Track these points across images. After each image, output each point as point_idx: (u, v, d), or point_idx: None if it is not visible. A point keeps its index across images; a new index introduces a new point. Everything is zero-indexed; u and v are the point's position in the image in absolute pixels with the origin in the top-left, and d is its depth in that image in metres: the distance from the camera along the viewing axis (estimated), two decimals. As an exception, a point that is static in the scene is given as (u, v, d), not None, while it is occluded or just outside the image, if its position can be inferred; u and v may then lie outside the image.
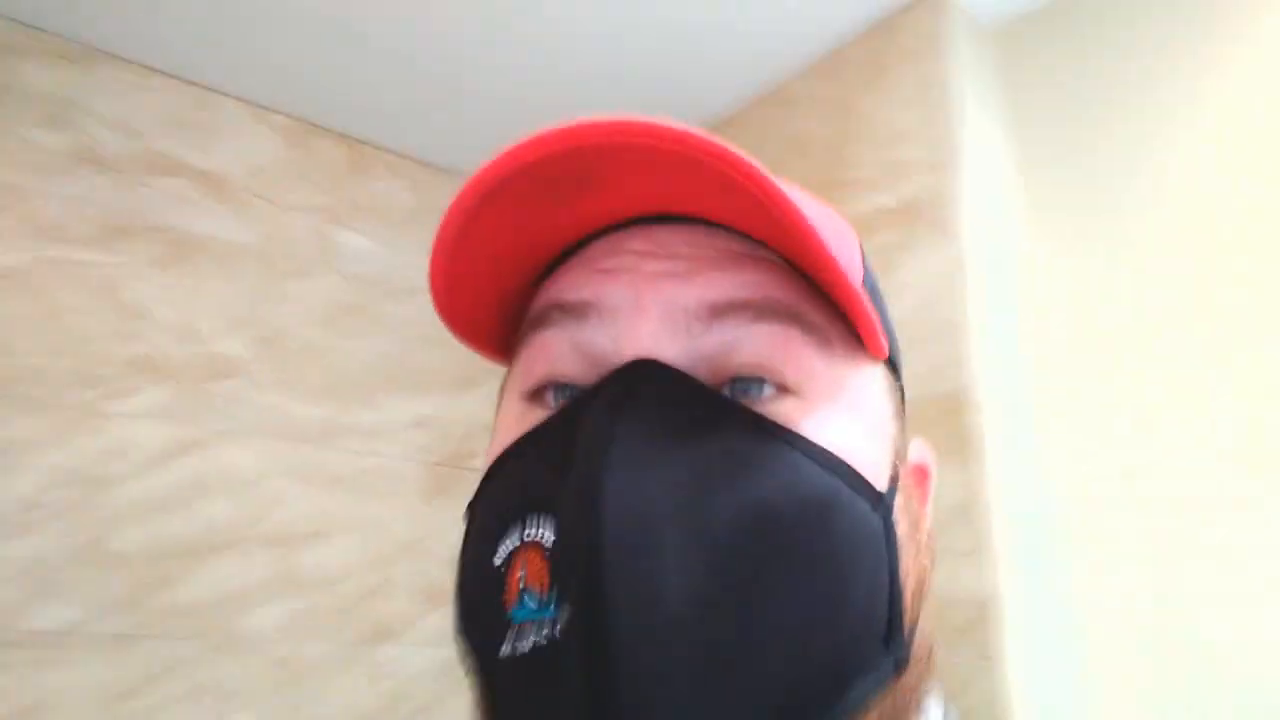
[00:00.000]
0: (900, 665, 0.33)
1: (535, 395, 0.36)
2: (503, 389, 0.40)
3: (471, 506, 0.37)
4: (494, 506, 0.34)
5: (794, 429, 0.32)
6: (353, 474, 1.69)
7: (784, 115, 1.66)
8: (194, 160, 1.67)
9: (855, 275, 0.36)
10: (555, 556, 0.30)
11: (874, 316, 0.35)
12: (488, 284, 0.37)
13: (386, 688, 1.63)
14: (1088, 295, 1.27)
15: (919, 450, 0.41)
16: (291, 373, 1.67)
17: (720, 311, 0.33)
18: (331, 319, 1.74)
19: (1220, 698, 1.01)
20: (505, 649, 0.31)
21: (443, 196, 1.94)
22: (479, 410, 1.88)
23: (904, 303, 1.34)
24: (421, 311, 1.84)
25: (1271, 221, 1.11)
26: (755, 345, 0.33)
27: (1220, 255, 1.15)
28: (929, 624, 0.36)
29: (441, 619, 1.72)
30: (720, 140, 0.30)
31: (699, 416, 0.32)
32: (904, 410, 0.40)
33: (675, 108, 1.77)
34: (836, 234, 0.36)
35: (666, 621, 0.28)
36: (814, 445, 0.32)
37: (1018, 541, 1.18)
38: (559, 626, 0.29)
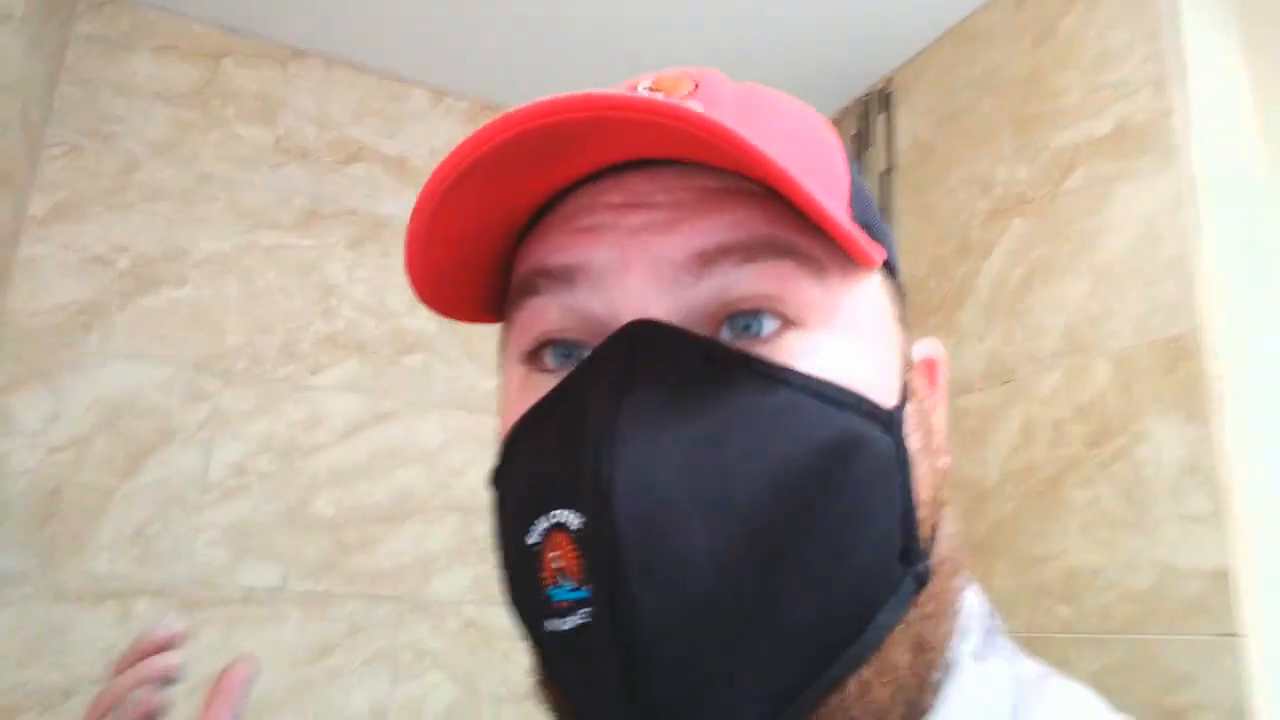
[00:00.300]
0: (923, 577, 0.33)
1: (533, 356, 0.36)
2: (501, 351, 0.39)
3: (495, 479, 0.37)
4: (519, 486, 0.35)
5: (797, 366, 0.32)
6: (533, 443, 1.71)
7: (972, 50, 1.53)
8: (382, 146, 1.75)
9: (836, 185, 0.36)
10: (581, 543, 0.30)
11: (858, 234, 0.34)
12: (467, 260, 0.37)
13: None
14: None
15: (925, 346, 0.40)
16: (475, 346, 1.71)
17: (709, 259, 0.33)
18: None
19: None
20: (550, 624, 0.32)
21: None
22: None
23: (1122, 237, 1.19)
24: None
25: None
26: (749, 283, 0.33)
27: None
28: (951, 523, 0.36)
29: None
30: (682, 106, 0.30)
31: (701, 375, 0.32)
32: (904, 308, 0.39)
33: (845, 59, 1.67)
34: (811, 144, 0.36)
35: (687, 598, 0.29)
36: (820, 382, 0.32)
37: (1259, 506, 1.02)
38: (592, 610, 0.30)
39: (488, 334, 1.69)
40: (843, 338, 0.34)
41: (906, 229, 1.60)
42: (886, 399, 0.34)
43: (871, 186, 1.70)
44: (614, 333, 0.33)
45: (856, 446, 0.32)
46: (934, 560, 0.34)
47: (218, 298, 1.55)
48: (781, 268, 0.33)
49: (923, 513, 0.34)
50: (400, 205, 1.73)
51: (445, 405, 1.67)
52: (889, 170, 1.68)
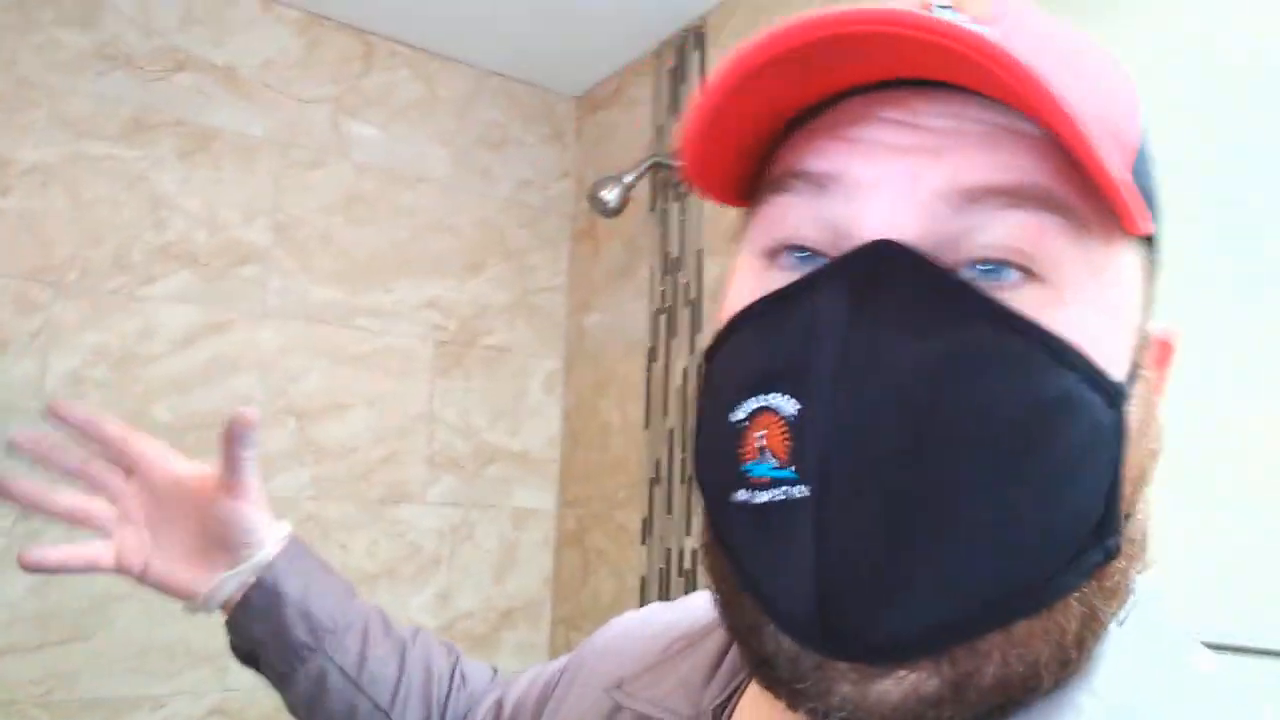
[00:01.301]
0: (1112, 552, 0.33)
1: (772, 254, 0.36)
2: (738, 241, 0.40)
3: (709, 357, 0.38)
4: (735, 365, 0.35)
5: (1035, 320, 0.32)
6: (367, 352, 1.83)
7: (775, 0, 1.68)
8: (210, 55, 1.76)
9: (1123, 147, 0.35)
10: (797, 430, 0.32)
11: (1134, 200, 0.32)
12: (734, 146, 0.37)
13: (402, 542, 1.82)
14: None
15: (1163, 327, 0.39)
16: (309, 258, 1.79)
17: (973, 196, 0.32)
18: (345, 206, 1.85)
19: None
20: (740, 495, 0.33)
21: (448, 86, 2.01)
22: (486, 292, 2.00)
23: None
24: (429, 199, 1.94)
25: None
26: (1006, 229, 0.32)
27: None
28: (1146, 507, 0.37)
29: (450, 483, 1.89)
30: (979, 33, 0.30)
31: (938, 306, 0.32)
32: (1153, 284, 0.38)
33: (666, 1, 1.79)
34: (1109, 100, 0.35)
35: (889, 498, 0.31)
36: (1054, 338, 0.32)
37: None
38: (796, 491, 0.31)
39: (323, 245, 1.78)
40: (1087, 302, 0.33)
41: (712, 163, 1.77)
42: (1116, 372, 0.33)
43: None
44: (859, 247, 0.32)
45: (1078, 409, 0.32)
46: (1125, 538, 0.34)
47: (45, 209, 1.56)
48: (1043, 221, 0.32)
49: (1127, 490, 0.34)
50: (230, 116, 1.76)
51: (281, 315, 1.75)
52: (701, 105, 1.82)
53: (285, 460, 1.72)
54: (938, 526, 0.30)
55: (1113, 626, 0.35)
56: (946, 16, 0.32)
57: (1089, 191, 0.33)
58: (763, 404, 0.33)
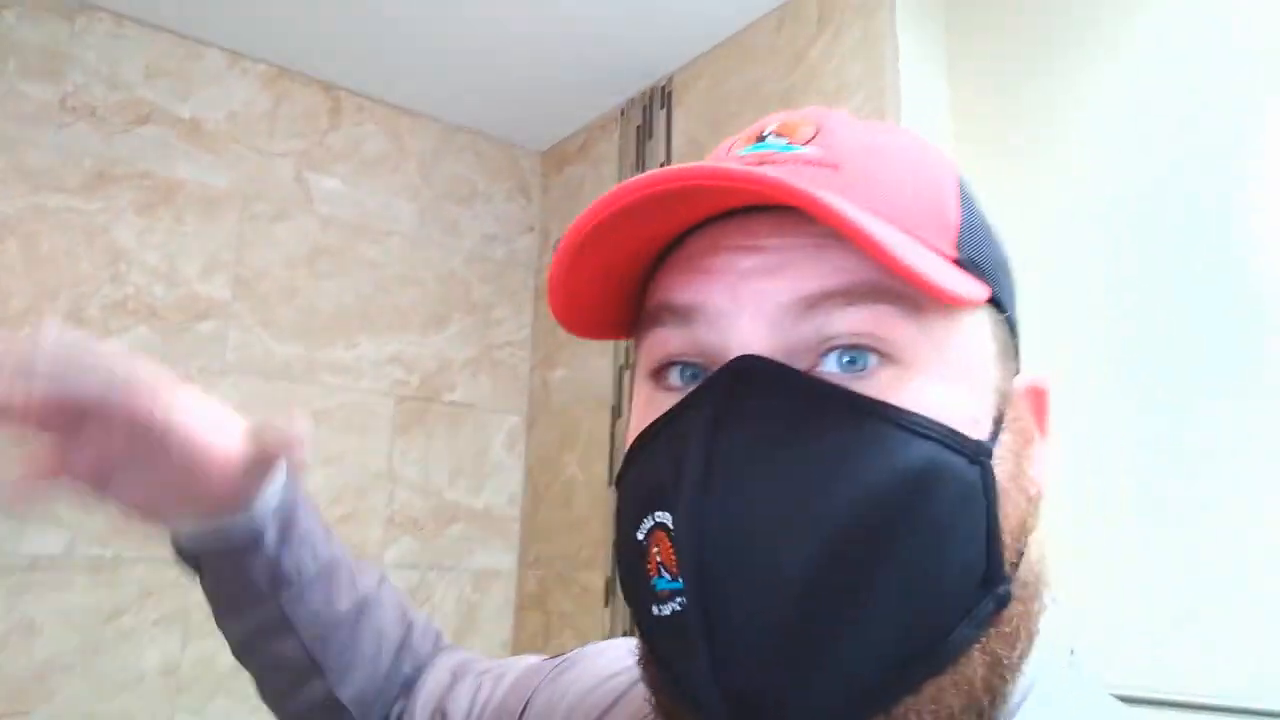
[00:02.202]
0: (1003, 599, 0.35)
1: (658, 374, 0.40)
2: (634, 368, 0.44)
3: (618, 482, 0.41)
4: (633, 489, 0.39)
5: (890, 399, 0.35)
6: (328, 409, 1.80)
7: (739, 65, 1.71)
8: (175, 108, 1.75)
9: (940, 231, 0.38)
10: (675, 541, 0.34)
11: (950, 279, 0.36)
12: (600, 288, 0.41)
13: (360, 604, 1.77)
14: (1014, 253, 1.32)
15: (1032, 377, 0.42)
16: (270, 312, 1.77)
17: (812, 302, 0.36)
18: (308, 260, 1.83)
19: None
20: (653, 610, 0.36)
21: (415, 140, 2.01)
22: (449, 347, 1.98)
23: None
24: (393, 253, 1.93)
25: (1175, 182, 1.16)
26: (847, 324, 0.36)
27: (1146, 220, 1.20)
28: (1037, 548, 0.38)
29: (409, 544, 1.85)
30: (767, 176, 0.34)
31: (795, 405, 0.35)
32: (1013, 340, 0.41)
33: (635, 54, 1.81)
34: (923, 192, 0.39)
35: (773, 606, 0.32)
36: (908, 414, 0.34)
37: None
38: (683, 601, 0.34)
39: (285, 299, 1.76)
40: (937, 374, 0.36)
41: (677, 222, 1.78)
42: (976, 431, 0.36)
43: (651, 178, 1.86)
44: (722, 365, 0.36)
45: (940, 477, 0.34)
46: (1016, 584, 0.36)
47: (0, 261, 1.54)
48: (879, 311, 0.35)
49: (1008, 539, 0.36)
50: (194, 169, 1.74)
51: (239, 371, 1.73)
52: (667, 161, 1.84)
53: (240, 519, 1.67)
54: (823, 615, 0.32)
55: (1031, 677, 0.37)
56: (772, 144, 0.39)
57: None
58: (656, 521, 0.36)
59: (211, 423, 0.55)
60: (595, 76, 1.90)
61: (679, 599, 0.34)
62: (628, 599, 0.39)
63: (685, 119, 1.82)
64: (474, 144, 2.11)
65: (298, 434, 0.56)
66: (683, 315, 0.38)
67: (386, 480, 1.85)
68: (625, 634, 1.69)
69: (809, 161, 0.39)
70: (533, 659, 0.63)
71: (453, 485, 1.94)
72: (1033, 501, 0.38)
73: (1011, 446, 0.37)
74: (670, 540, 0.35)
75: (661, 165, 1.87)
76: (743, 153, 0.41)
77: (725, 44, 1.76)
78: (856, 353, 0.36)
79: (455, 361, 1.99)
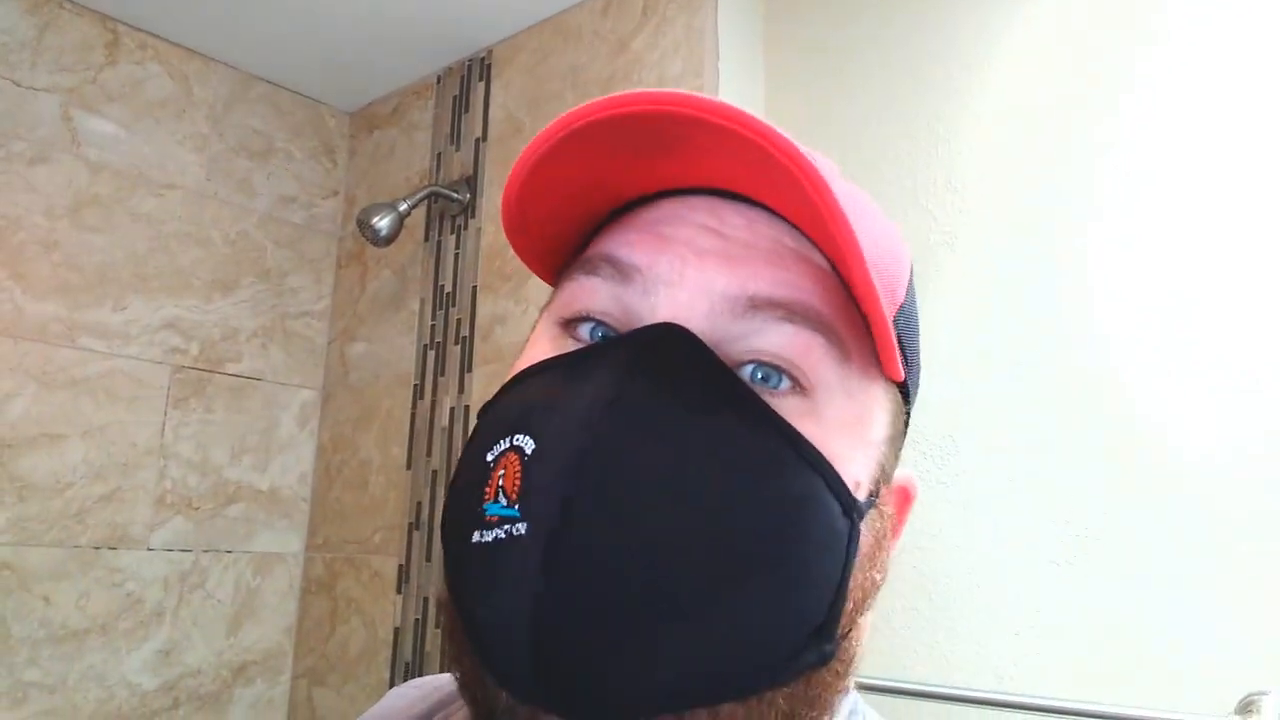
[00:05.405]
0: (826, 658, 0.34)
1: (569, 324, 0.38)
2: (543, 309, 0.41)
3: (483, 409, 0.39)
4: (501, 413, 0.36)
5: (791, 423, 0.34)
6: (89, 376, 1.62)
7: (561, 45, 1.67)
8: (-90, 22, 1.51)
9: (892, 299, 0.37)
10: (526, 469, 0.32)
11: (895, 345, 0.36)
12: (555, 214, 0.39)
13: (119, 593, 1.62)
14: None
15: (907, 477, 0.42)
16: (24, 265, 1.57)
17: (755, 304, 0.35)
18: (71, 210, 1.64)
19: None
20: (475, 536, 0.33)
21: (205, 87, 1.85)
22: (236, 315, 1.83)
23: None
24: (174, 208, 1.76)
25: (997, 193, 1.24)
26: (779, 338, 0.35)
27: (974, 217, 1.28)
28: (862, 634, 0.38)
29: (181, 525, 1.71)
30: (803, 150, 0.32)
31: (707, 389, 0.33)
32: (903, 435, 0.41)
33: (455, 20, 1.74)
34: (888, 255, 0.38)
35: (613, 565, 0.30)
36: (805, 442, 0.34)
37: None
38: (516, 530, 0.31)
39: (43, 252, 1.56)
40: (839, 422, 0.36)
41: (492, 199, 1.73)
42: (856, 490, 0.35)
43: (466, 151, 1.80)
44: (647, 325, 0.35)
45: (815, 515, 0.33)
46: (840, 649, 0.35)
47: None
48: (812, 339, 0.35)
49: (850, 605, 0.35)
50: (-67, 97, 1.51)
51: (-17, 329, 1.52)
52: (484, 137, 1.78)
53: (-23, 497, 1.48)
54: (661, 594, 0.30)
55: None
56: None
57: (855, 327, 0.36)
58: (514, 444, 0.33)
59: None
60: (411, 38, 1.81)
61: (507, 527, 0.31)
62: (444, 532, 0.36)
63: (504, 94, 1.77)
64: (273, 96, 1.96)
65: None
66: (622, 272, 0.37)
67: (157, 456, 1.69)
68: (417, 622, 1.64)
69: None
70: None
71: (234, 463, 1.80)
72: (876, 586, 0.38)
73: (877, 526, 0.37)
74: (521, 464, 0.32)
75: (478, 140, 1.82)
76: None
77: (548, 22, 1.72)
78: (774, 371, 0.35)
79: (242, 331, 1.84)
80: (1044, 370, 1.14)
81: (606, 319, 0.37)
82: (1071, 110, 1.18)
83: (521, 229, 0.40)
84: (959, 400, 1.19)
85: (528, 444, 0.33)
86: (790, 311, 0.35)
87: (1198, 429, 1.02)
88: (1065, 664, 1.06)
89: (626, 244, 0.37)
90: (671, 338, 0.34)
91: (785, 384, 0.35)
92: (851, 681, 0.39)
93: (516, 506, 0.31)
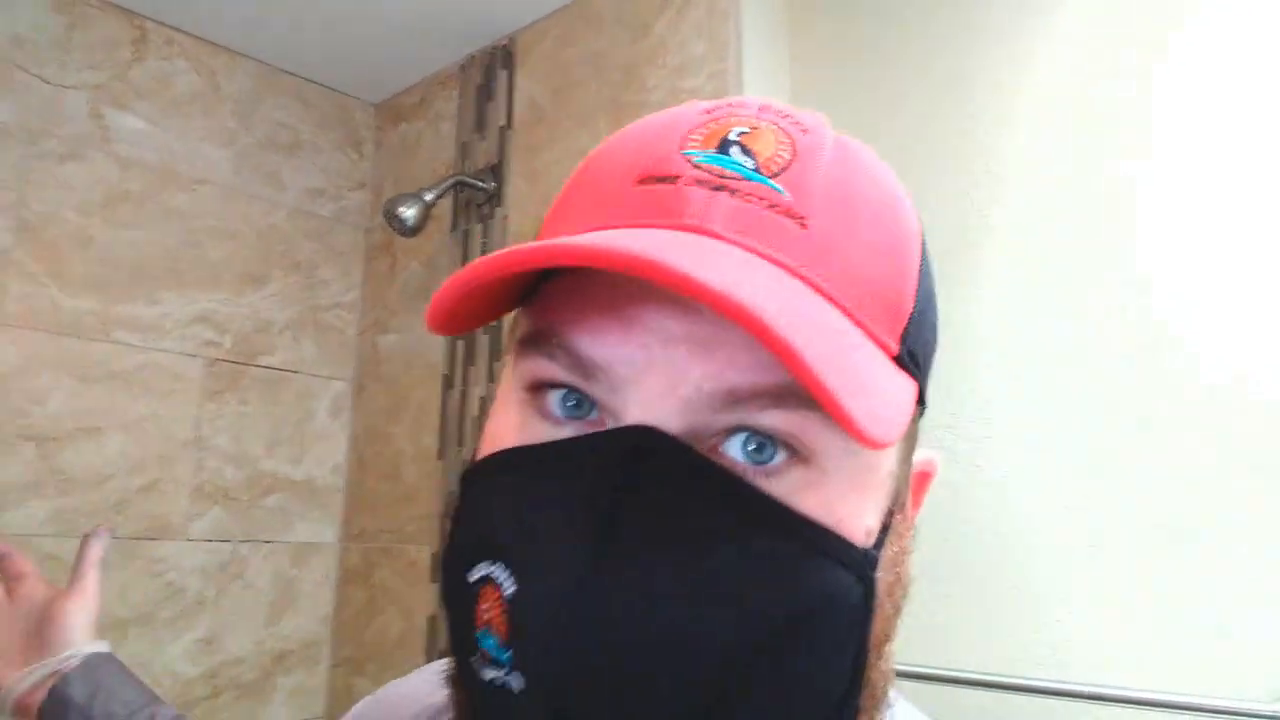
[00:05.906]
0: (850, 716, 0.34)
1: (536, 391, 0.35)
2: (505, 357, 0.39)
3: (463, 492, 0.36)
4: (477, 519, 0.34)
5: (795, 505, 0.32)
6: (126, 370, 1.65)
7: (583, 30, 1.66)
8: (-57, 24, 1.53)
9: (891, 320, 0.34)
10: (514, 613, 0.30)
11: (880, 424, 0.31)
12: (490, 307, 0.37)
13: (160, 583, 1.65)
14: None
15: (927, 460, 0.40)
16: (58, 262, 1.59)
17: (738, 397, 0.31)
18: (104, 206, 1.66)
19: None
20: (473, 660, 0.32)
21: (232, 81, 1.86)
22: (268, 308, 1.85)
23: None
24: (204, 202, 1.78)
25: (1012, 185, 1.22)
26: (769, 422, 0.32)
27: (984, 209, 1.26)
28: (890, 660, 0.37)
29: (219, 516, 1.73)
30: (708, 282, 0.28)
31: (694, 506, 0.31)
32: (917, 427, 0.39)
33: (477, 8, 1.73)
34: (884, 266, 0.35)
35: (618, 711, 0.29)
36: (813, 527, 0.32)
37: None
38: (512, 681, 0.30)
39: (77, 248, 1.58)
40: (846, 478, 0.33)
41: (516, 188, 1.73)
42: (868, 540, 0.34)
43: (491, 140, 1.80)
44: (621, 429, 0.32)
45: (831, 605, 0.32)
46: (864, 695, 0.34)
47: None
48: (806, 418, 0.32)
49: (871, 657, 0.34)
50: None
51: (22, 325, 1.55)
52: (508, 125, 1.78)
53: (20, 492, 1.51)
54: None
55: None
56: (736, 162, 0.34)
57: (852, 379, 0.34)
58: (486, 573, 0.32)
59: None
60: (434, 28, 1.81)
61: (503, 673, 0.30)
62: (450, 639, 0.35)
63: (527, 82, 1.76)
64: (299, 90, 1.97)
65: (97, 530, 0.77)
66: (582, 368, 0.33)
67: (194, 448, 1.72)
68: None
69: (774, 205, 0.33)
70: None
71: (270, 454, 1.82)
72: (898, 611, 0.36)
73: (892, 555, 0.35)
74: (503, 603, 0.31)
75: (502, 128, 1.81)
76: (700, 159, 0.34)
77: (570, 7, 1.71)
78: (767, 442, 0.32)
79: (275, 323, 1.86)
80: (1079, 353, 1.12)
81: (575, 385, 0.34)
82: (1113, 80, 1.16)
83: (454, 328, 0.37)
84: (994, 384, 1.17)
85: (507, 582, 0.31)
86: (775, 397, 0.31)
87: (1241, 409, 1.00)
88: (1102, 649, 1.05)
89: (585, 330, 0.33)
90: (648, 444, 0.31)
91: (780, 456, 0.32)
92: (892, 699, 0.38)
93: (509, 652, 0.30)
